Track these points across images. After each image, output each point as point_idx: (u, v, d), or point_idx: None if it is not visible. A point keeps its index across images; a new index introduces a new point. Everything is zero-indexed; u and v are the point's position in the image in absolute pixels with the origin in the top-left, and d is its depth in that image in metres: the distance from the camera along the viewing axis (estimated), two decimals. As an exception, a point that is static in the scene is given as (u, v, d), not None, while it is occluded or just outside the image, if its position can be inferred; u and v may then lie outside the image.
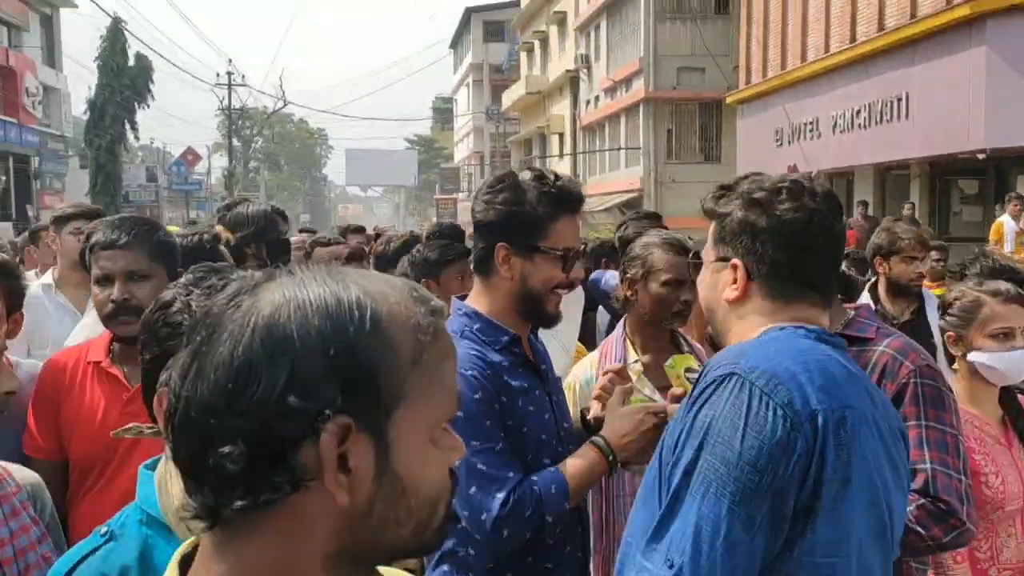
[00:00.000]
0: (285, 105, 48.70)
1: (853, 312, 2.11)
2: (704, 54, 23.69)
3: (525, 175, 1.98)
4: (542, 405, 1.96)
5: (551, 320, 2.02)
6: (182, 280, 1.46)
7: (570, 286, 2.01)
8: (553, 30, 36.65)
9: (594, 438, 1.94)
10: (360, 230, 6.74)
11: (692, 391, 1.44)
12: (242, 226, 3.60)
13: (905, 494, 1.48)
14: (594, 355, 2.67)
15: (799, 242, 1.47)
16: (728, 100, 20.10)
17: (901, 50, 12.73)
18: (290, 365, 0.76)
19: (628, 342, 2.59)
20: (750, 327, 1.49)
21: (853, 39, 14.18)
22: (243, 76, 41.47)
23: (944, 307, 2.43)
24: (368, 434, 0.78)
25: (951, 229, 12.83)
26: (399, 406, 0.79)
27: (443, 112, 72.98)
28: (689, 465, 1.33)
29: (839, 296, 2.23)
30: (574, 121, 33.59)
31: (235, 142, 46.28)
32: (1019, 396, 2.46)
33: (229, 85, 40.18)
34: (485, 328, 1.94)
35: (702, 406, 1.36)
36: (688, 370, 1.97)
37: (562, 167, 35.52)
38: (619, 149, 28.01)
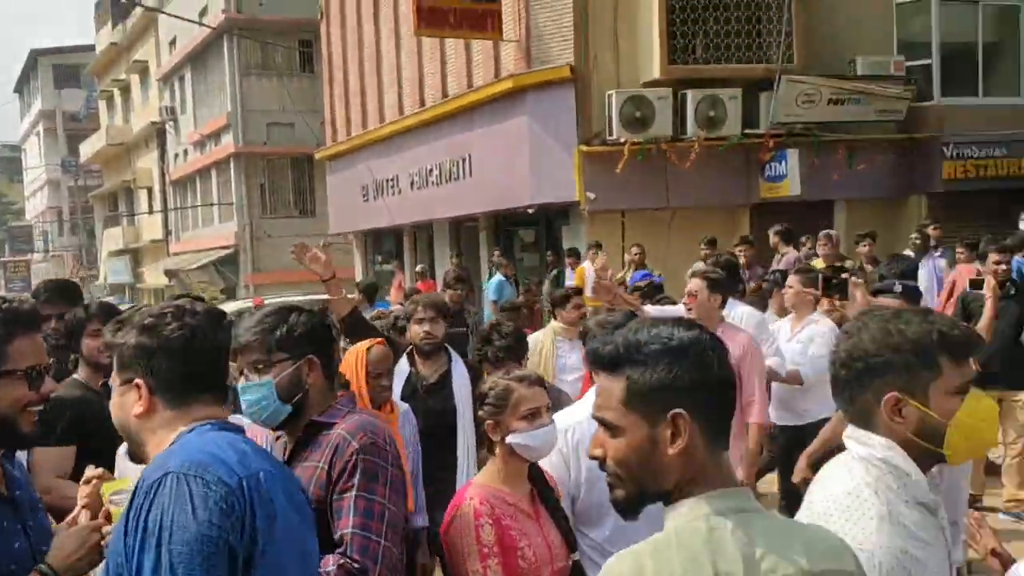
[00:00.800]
0: None
1: (336, 401, 2.38)
2: (292, 110, 24.08)
3: None
4: (13, 533, 1.99)
5: (27, 440, 2.05)
6: None
7: (43, 401, 2.04)
8: (135, 79, 34.68)
9: (40, 565, 1.98)
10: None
11: (133, 500, 1.60)
12: None
13: (313, 534, 1.81)
14: None
15: (186, 355, 1.73)
16: (317, 156, 20.57)
17: (463, 115, 14.09)
18: None
19: None
20: (162, 437, 1.71)
21: (423, 104, 15.39)
22: None
23: (481, 399, 2.70)
24: None
25: (516, 273, 14.34)
26: None
27: (11, 162, 65.17)
28: (155, 563, 1.51)
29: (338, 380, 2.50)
30: (163, 175, 31.99)
31: None
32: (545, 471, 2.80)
33: None
34: None
35: (148, 510, 1.54)
36: (115, 493, 2.04)
37: (152, 223, 33.51)
38: (211, 205, 27.21)
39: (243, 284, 24.83)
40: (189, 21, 22.82)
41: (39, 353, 2.05)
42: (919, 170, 12.81)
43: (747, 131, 12.00)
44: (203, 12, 25.34)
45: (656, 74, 11.70)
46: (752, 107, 12.05)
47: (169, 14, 24.86)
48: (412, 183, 16.05)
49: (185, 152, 29.34)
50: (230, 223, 25.80)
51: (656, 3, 11.58)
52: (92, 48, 39.85)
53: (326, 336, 2.43)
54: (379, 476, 2.24)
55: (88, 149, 39.50)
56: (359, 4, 17.59)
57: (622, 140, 11.57)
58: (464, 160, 14.22)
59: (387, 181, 17.05)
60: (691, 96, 11.54)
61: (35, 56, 48.10)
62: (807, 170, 12.03)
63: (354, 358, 3.58)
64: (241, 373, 2.34)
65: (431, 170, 15.29)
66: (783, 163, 11.99)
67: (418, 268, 16.09)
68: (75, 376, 3.56)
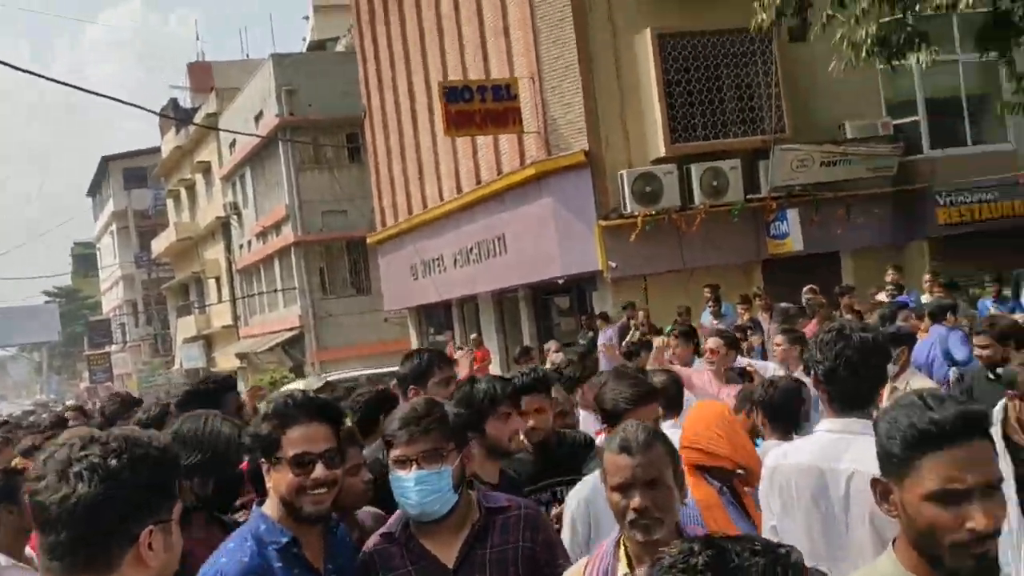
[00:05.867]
0: None
1: (475, 486, 2.59)
2: (344, 198, 26.03)
3: None
4: None
5: None
6: None
7: None
8: (199, 178, 37.22)
9: None
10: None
11: None
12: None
13: None
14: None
15: None
16: (369, 241, 22.25)
17: (495, 199, 15.57)
18: None
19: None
20: None
21: (459, 190, 16.94)
22: None
23: None
24: None
25: (555, 337, 15.56)
26: None
27: (84, 259, 68.75)
28: None
29: None
30: (230, 265, 34.18)
31: None
32: None
33: None
34: None
35: None
36: None
37: (222, 310, 35.69)
38: (275, 291, 29.14)
39: (309, 362, 26.51)
40: (246, 135, 25.01)
41: None
42: (915, 218, 13.84)
43: (750, 196, 13.23)
44: (259, 116, 27.64)
45: (662, 152, 13.05)
46: (753, 174, 13.32)
47: (226, 130, 27.15)
48: (455, 261, 17.52)
49: (249, 243, 31.47)
50: (294, 306, 27.62)
51: (656, 90, 12.99)
52: (158, 150, 42.81)
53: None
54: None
55: (159, 245, 42.18)
56: (397, 104, 19.39)
57: (635, 213, 12.88)
58: (499, 239, 15.65)
59: (433, 260, 18.57)
60: (695, 169, 12.85)
61: (106, 161, 51.59)
62: (809, 226, 13.16)
63: None
64: (395, 463, 2.30)
65: (471, 248, 16.75)
66: (785, 222, 13.16)
67: (472, 337, 17.40)
68: None
